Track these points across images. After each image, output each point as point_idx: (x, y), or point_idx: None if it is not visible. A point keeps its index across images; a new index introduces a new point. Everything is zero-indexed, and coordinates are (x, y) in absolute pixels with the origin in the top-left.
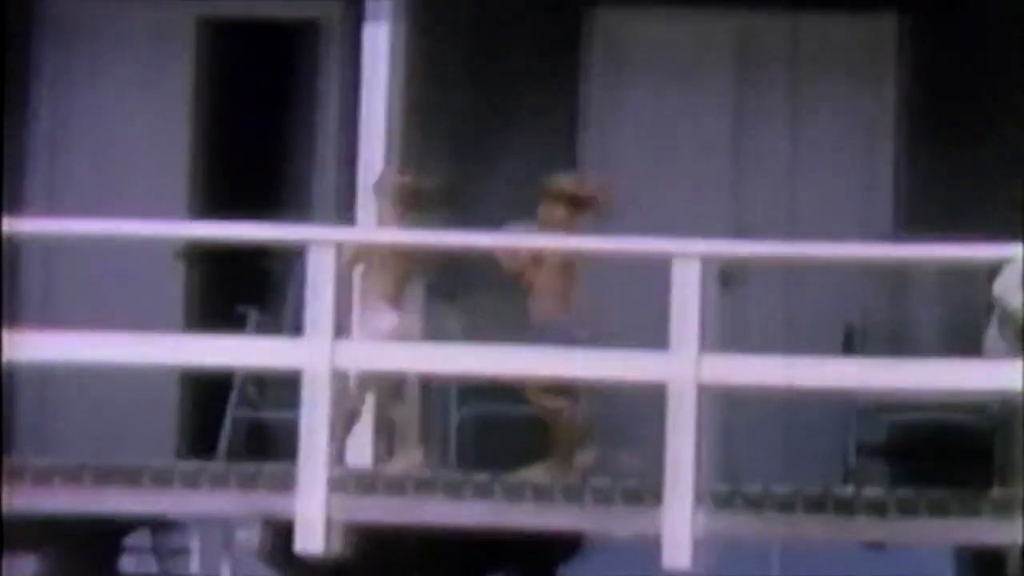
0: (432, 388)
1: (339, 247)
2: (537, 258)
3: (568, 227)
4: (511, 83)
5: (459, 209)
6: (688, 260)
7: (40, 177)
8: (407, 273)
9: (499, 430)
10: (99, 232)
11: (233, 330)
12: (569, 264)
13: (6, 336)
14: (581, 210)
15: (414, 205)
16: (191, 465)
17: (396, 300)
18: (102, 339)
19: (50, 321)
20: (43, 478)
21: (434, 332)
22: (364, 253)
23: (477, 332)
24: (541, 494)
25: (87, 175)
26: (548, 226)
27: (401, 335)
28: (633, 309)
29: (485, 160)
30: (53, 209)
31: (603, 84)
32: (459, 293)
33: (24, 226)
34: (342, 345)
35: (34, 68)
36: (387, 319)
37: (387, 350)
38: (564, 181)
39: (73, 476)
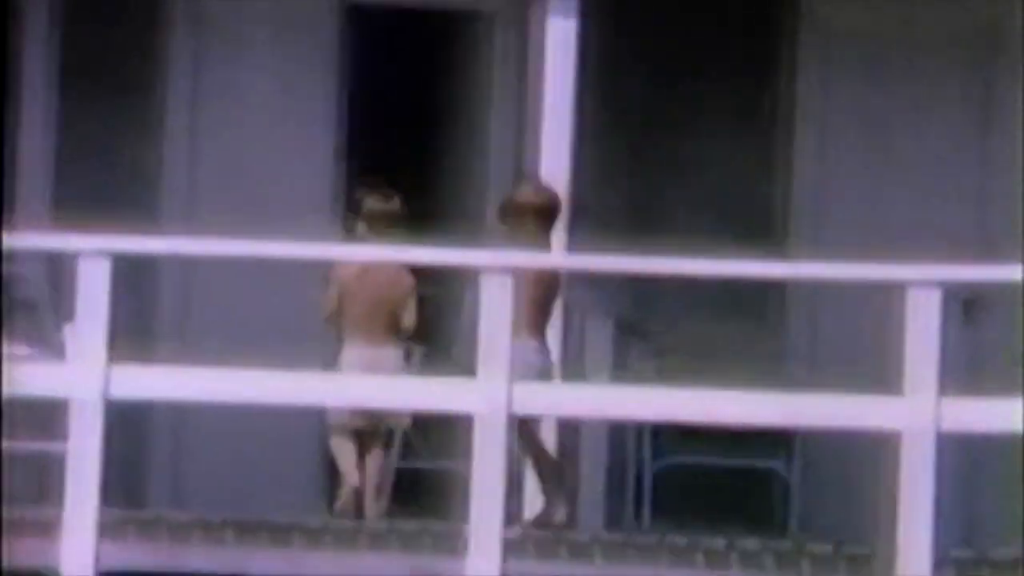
0: (623, 436)
1: (516, 273)
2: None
3: (539, 241)
4: (700, 79)
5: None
6: (927, 288)
7: (177, 173)
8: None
9: (698, 484)
10: (227, 252)
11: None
12: (543, 285)
13: (116, 370)
14: (547, 221)
15: (386, 227)
16: (345, 522)
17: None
18: (226, 375)
19: (188, 348)
20: (180, 534)
21: (622, 372)
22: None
23: (672, 372)
24: (748, 559)
25: (226, 172)
26: (518, 242)
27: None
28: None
29: (671, 166)
30: (191, 211)
31: (813, 79)
32: (650, 327)
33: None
34: (519, 388)
35: (171, 60)
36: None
37: (571, 393)
38: (530, 192)
39: (214, 532)
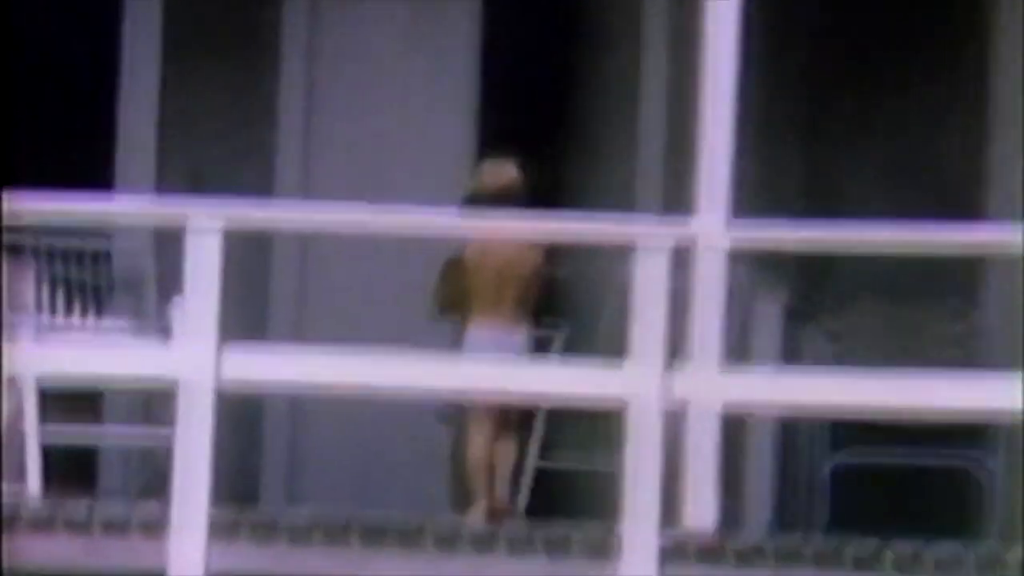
0: (794, 429)
1: (672, 251)
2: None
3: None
4: (885, 39)
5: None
6: None
7: (292, 145)
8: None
9: (881, 483)
10: (348, 223)
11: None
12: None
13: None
14: (507, 203)
15: (501, 199)
16: (489, 528)
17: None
18: (348, 357)
19: (305, 328)
20: (300, 537)
21: (793, 359)
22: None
23: (851, 358)
24: (943, 568)
25: (346, 143)
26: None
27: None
28: None
29: (846, 139)
30: (307, 184)
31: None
32: (824, 312)
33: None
34: (676, 374)
35: (284, 19)
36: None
37: (736, 380)
38: (486, 176)
39: (337, 535)
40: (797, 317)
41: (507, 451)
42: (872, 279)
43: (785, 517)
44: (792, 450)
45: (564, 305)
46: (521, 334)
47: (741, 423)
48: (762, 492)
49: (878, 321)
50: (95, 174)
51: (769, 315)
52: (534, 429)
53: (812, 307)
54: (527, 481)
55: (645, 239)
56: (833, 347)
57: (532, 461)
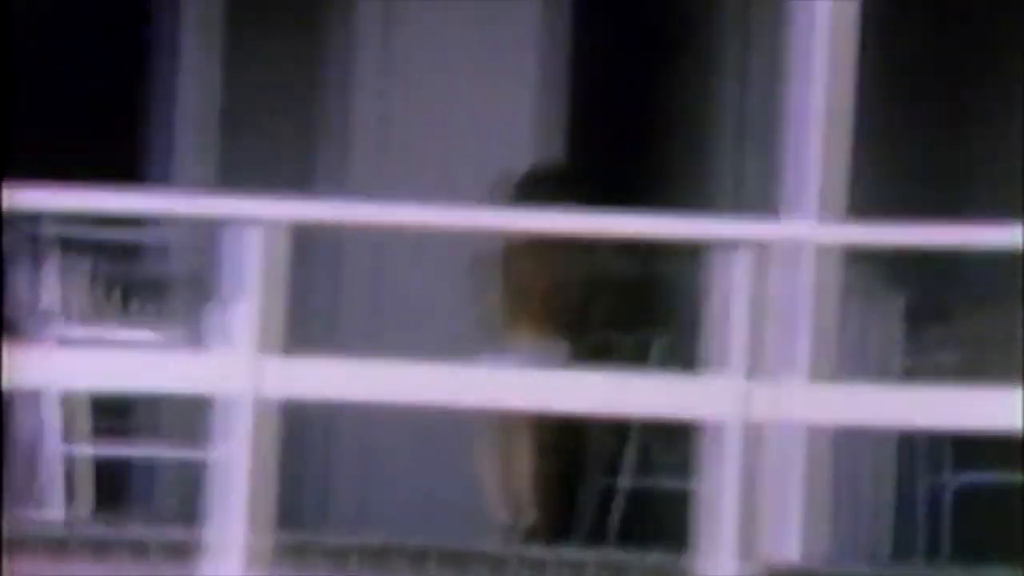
0: (914, 447)
1: (763, 250)
2: None
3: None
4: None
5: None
6: None
7: (365, 133)
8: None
9: (1008, 505)
10: (413, 220)
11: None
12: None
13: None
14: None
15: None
16: (545, 551)
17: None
18: (399, 370)
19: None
20: (338, 561)
21: (915, 367)
22: None
23: (979, 366)
24: None
25: (416, 127)
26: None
27: None
28: None
29: (963, 126)
30: (380, 171)
31: None
32: (952, 312)
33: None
34: (761, 388)
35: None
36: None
37: (845, 393)
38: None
39: (377, 559)
40: (919, 322)
41: (532, 466)
42: (1005, 279)
43: (902, 544)
44: (911, 469)
45: (663, 311)
46: (549, 351)
47: (852, 442)
48: (880, 516)
49: (1008, 326)
50: (146, 166)
51: (889, 316)
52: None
53: (939, 308)
54: (618, 503)
55: (727, 237)
56: (958, 353)
57: (624, 481)
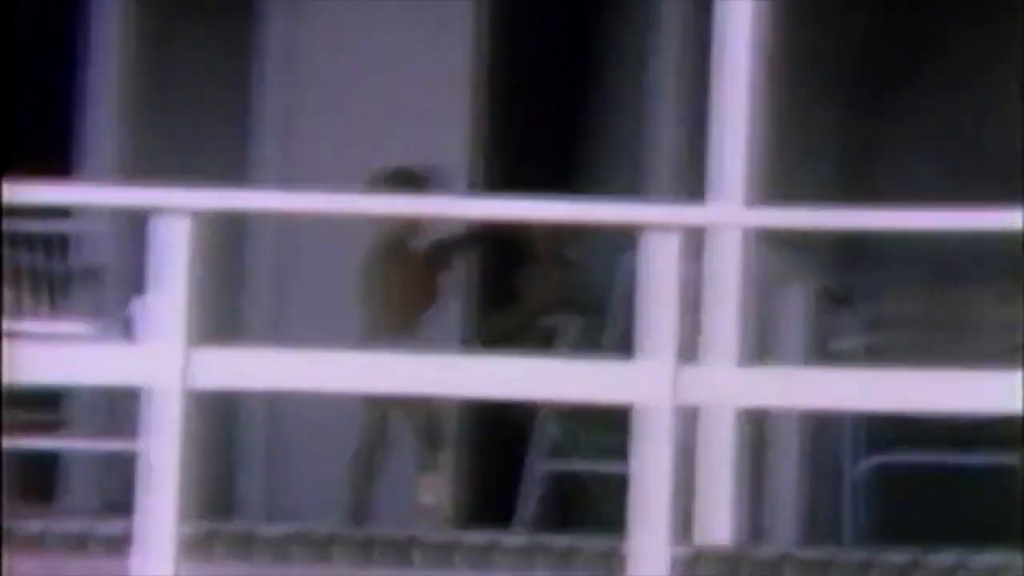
0: (824, 429)
1: (687, 233)
2: None
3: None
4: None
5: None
6: None
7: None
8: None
9: (919, 487)
10: (332, 208)
11: (536, 348)
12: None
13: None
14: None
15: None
16: (478, 536)
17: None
18: (330, 359)
19: (284, 327)
20: (277, 551)
21: (824, 351)
22: None
23: (888, 351)
24: None
25: (329, 115)
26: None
27: None
28: None
29: (889, 111)
30: (287, 162)
31: None
32: (856, 296)
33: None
34: (687, 371)
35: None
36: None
37: (759, 377)
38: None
39: (317, 549)
40: (830, 305)
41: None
42: (913, 261)
43: (815, 526)
44: (820, 451)
45: (573, 296)
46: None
47: (764, 424)
48: (789, 499)
49: (918, 307)
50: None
51: (796, 304)
52: (537, 430)
53: (846, 294)
54: (534, 487)
55: (654, 221)
56: (869, 337)
57: (540, 465)
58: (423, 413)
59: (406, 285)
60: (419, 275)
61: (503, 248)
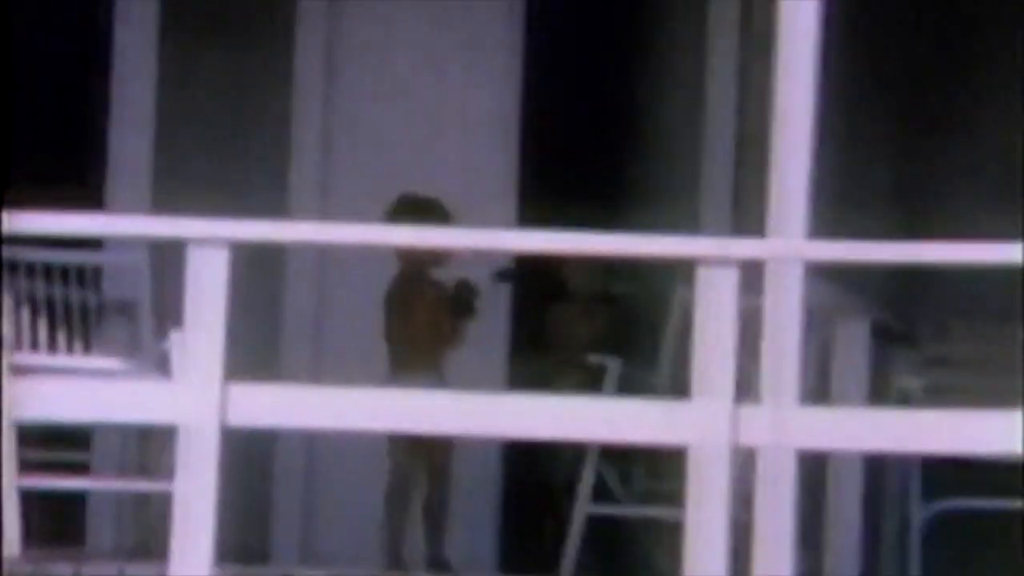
0: (881, 473)
1: (744, 267)
2: None
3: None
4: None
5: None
6: None
7: (309, 139)
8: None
9: (981, 533)
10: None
11: (582, 388)
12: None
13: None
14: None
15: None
16: None
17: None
18: (373, 397)
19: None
20: None
21: (881, 391)
22: None
23: (947, 390)
24: None
25: (368, 147)
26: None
27: None
28: None
29: (947, 133)
30: (326, 191)
31: None
32: (919, 333)
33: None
34: (746, 411)
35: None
36: None
37: (815, 418)
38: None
39: None
40: (887, 341)
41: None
42: (977, 299)
43: (877, 572)
44: (879, 496)
45: (620, 335)
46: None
47: (825, 466)
48: (848, 545)
49: (981, 348)
50: (84, 186)
51: (856, 341)
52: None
53: (906, 330)
54: (578, 534)
55: (711, 255)
56: (926, 377)
57: (583, 507)
58: (439, 453)
59: (428, 322)
60: (439, 311)
61: (538, 287)
